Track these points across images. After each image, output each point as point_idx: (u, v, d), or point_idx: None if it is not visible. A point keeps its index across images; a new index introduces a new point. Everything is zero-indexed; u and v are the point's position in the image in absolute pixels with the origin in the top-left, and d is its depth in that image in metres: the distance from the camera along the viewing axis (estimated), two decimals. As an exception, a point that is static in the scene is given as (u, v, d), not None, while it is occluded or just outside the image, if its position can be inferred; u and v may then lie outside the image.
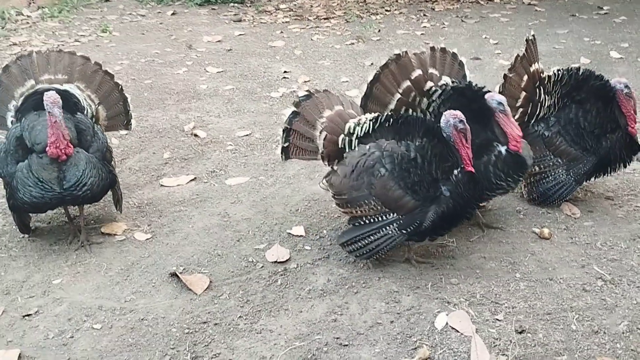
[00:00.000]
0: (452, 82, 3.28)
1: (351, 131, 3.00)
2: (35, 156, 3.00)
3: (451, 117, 2.81)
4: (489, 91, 3.13)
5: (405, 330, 2.63)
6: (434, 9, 9.17)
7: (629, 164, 3.50)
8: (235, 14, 8.91)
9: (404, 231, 2.88)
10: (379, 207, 2.89)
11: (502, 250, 3.13)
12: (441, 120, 2.86)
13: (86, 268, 3.10)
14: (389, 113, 3.11)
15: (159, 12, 9.04)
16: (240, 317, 2.74)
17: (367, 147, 2.92)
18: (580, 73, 3.46)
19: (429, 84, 3.26)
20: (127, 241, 3.34)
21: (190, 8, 9.29)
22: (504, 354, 2.47)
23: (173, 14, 8.94)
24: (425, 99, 3.27)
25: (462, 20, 8.43)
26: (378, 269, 3.04)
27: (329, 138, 3.07)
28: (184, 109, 5.27)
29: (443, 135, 2.86)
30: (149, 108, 5.28)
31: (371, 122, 2.98)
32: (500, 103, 3.01)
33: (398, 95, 3.29)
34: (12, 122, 3.31)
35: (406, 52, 3.37)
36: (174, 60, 6.73)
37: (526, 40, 3.61)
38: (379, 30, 7.92)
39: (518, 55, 3.52)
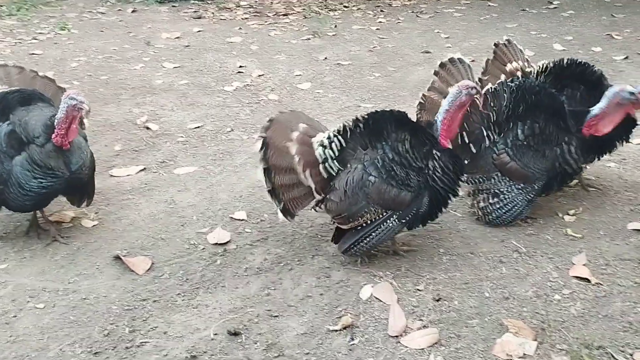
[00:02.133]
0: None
1: (323, 157, 2.97)
2: (36, 147, 3.07)
3: (463, 88, 2.89)
4: None
5: (333, 301, 2.82)
6: (390, 5, 9.41)
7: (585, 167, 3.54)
8: (195, 11, 9.02)
9: (404, 221, 2.98)
10: (379, 211, 2.95)
11: (429, 228, 3.34)
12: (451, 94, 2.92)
13: (33, 253, 3.22)
14: (356, 118, 3.00)
15: (119, 10, 9.11)
16: (178, 294, 2.90)
17: (348, 165, 2.96)
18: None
19: None
20: (75, 228, 3.47)
21: (151, 6, 9.37)
22: (420, 319, 2.67)
23: (133, 11, 9.02)
24: None
25: (417, 16, 8.68)
26: (313, 247, 3.23)
27: (314, 172, 2.98)
28: (139, 104, 5.40)
29: (412, 122, 3.00)
30: (104, 103, 5.39)
31: (341, 138, 2.97)
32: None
33: None
34: None
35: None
36: (132, 56, 6.83)
37: (495, 44, 3.85)
38: (336, 26, 8.12)
39: (488, 59, 3.72)
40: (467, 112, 3.19)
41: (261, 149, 3.01)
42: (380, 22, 8.38)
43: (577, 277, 2.90)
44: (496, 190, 3.33)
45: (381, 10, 9.06)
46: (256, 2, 9.72)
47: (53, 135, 3.05)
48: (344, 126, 2.98)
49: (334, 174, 2.97)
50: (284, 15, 8.85)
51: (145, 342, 2.59)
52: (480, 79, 3.74)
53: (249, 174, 4.09)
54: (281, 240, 3.32)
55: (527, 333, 2.55)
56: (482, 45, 6.93)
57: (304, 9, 9.11)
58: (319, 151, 2.97)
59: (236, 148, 4.50)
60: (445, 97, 3.02)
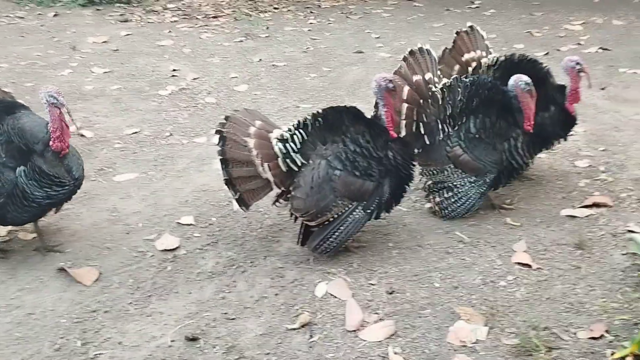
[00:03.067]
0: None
1: (284, 151, 3.00)
2: (38, 156, 2.96)
3: (381, 81, 3.03)
4: None
5: (289, 300, 2.84)
6: (320, 6, 9.49)
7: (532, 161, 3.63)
8: (121, 14, 8.78)
9: (369, 211, 3.06)
10: (346, 203, 3.02)
11: (377, 223, 3.41)
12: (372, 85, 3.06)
13: (-31, 270, 3.07)
14: (315, 113, 3.07)
15: (39, 14, 8.75)
16: (130, 303, 2.84)
17: (311, 162, 3.00)
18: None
19: None
20: (12, 242, 3.32)
21: (73, 9, 9.05)
22: (375, 313, 2.73)
23: (55, 15, 8.69)
24: None
25: (347, 17, 8.80)
26: (264, 249, 3.24)
27: (272, 165, 3.01)
28: (70, 110, 5.19)
29: (364, 115, 3.10)
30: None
31: (302, 132, 3.01)
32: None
33: None
34: None
35: None
36: (57, 62, 6.59)
37: (456, 32, 3.93)
38: (268, 28, 8.12)
39: (446, 48, 3.80)
40: (424, 105, 3.37)
41: (219, 142, 3.05)
42: (312, 23, 8.45)
43: (519, 264, 3.04)
44: (450, 185, 3.43)
45: (311, 12, 9.13)
46: (184, 4, 9.56)
47: (51, 142, 2.94)
48: (304, 120, 3.05)
49: (296, 168, 3.01)
50: (213, 17, 8.76)
51: (99, 353, 2.53)
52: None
53: (193, 178, 4.04)
54: (232, 242, 3.30)
55: (477, 319, 2.66)
56: (412, 44, 7.00)
57: (234, 11, 9.04)
58: (278, 146, 3.01)
59: (177, 152, 4.43)
60: (408, 83, 3.36)
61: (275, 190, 3.10)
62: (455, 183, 3.43)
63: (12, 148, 2.98)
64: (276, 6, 9.47)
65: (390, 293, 2.86)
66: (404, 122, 3.37)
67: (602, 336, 2.53)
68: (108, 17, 8.70)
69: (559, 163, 4.09)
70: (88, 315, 2.75)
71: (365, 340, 2.58)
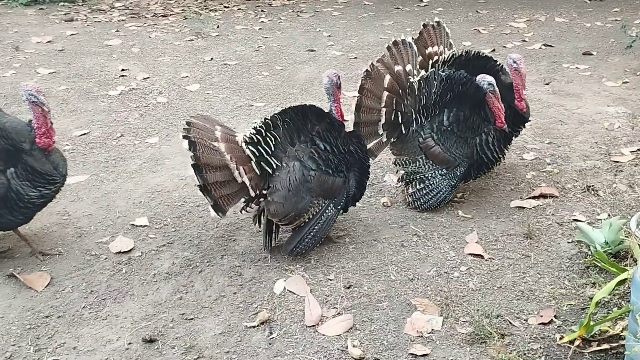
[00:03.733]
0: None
1: (257, 154, 2.97)
2: (27, 156, 2.88)
3: (332, 76, 3.15)
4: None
5: (247, 298, 2.84)
6: (271, 5, 9.46)
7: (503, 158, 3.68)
8: (66, 14, 8.55)
9: (339, 207, 3.14)
10: (320, 202, 3.08)
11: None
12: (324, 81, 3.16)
13: None
14: (279, 113, 3.09)
15: (-21, 13, 8.43)
16: (84, 307, 2.79)
17: (284, 165, 3.01)
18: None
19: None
20: (-43, 249, 3.21)
21: (15, 8, 8.76)
22: (334, 307, 2.76)
23: (-5, 14, 8.38)
24: None
25: (298, 15, 8.80)
26: (221, 248, 3.22)
27: (247, 169, 2.96)
28: (13, 112, 5.01)
29: (328, 113, 3.16)
30: (-26, 113, 4.98)
31: (273, 133, 3.02)
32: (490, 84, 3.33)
33: None
34: None
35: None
36: None
37: (423, 25, 3.96)
38: (218, 26, 8.04)
39: (412, 38, 3.83)
40: (402, 95, 3.49)
41: (190, 148, 2.90)
42: (263, 21, 8.42)
43: (471, 254, 3.13)
44: (422, 176, 3.53)
45: (262, 10, 9.09)
46: (132, 3, 9.38)
47: (37, 139, 2.87)
48: (271, 121, 3.04)
49: (270, 170, 2.99)
50: (162, 16, 8.63)
51: (54, 359, 2.47)
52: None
53: (146, 179, 3.98)
54: (187, 243, 3.27)
55: (433, 310, 2.73)
56: (363, 42, 7.20)
57: (183, 10, 8.92)
58: (250, 149, 2.97)
59: (129, 154, 4.36)
60: (390, 72, 3.46)
61: (246, 195, 3.01)
62: (426, 175, 3.52)
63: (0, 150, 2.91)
64: (226, 5, 9.40)
65: (348, 287, 2.89)
66: (384, 110, 3.48)
67: (551, 321, 2.63)
68: (52, 16, 8.46)
69: (507, 156, 4.19)
70: (40, 321, 2.68)
71: (324, 335, 2.60)
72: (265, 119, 3.06)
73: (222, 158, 2.91)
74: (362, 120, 3.51)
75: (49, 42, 7.18)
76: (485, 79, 3.36)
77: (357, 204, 3.29)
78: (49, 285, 2.93)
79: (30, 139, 2.90)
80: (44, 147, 2.92)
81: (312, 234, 3.07)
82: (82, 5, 9.11)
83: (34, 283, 2.92)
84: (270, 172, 2.99)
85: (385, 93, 3.48)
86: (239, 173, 2.91)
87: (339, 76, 3.17)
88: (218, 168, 2.93)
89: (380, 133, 3.53)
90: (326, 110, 3.18)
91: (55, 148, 3.04)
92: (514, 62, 3.53)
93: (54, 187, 3.02)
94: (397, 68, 3.53)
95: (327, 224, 3.11)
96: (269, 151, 2.98)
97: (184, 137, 2.92)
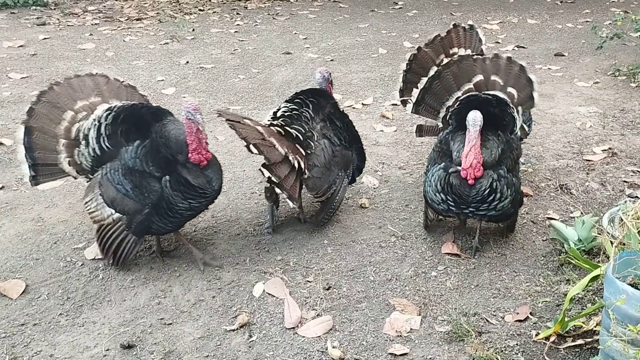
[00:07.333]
0: None
1: (301, 138, 3.21)
2: (182, 167, 2.87)
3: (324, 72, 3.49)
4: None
5: (226, 302, 2.83)
6: (246, 8, 9.45)
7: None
8: (38, 18, 8.43)
9: (350, 178, 3.52)
10: (341, 174, 3.42)
11: (312, 221, 3.45)
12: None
13: None
14: (303, 94, 3.35)
15: (-52, 18, 8.27)
16: (60, 314, 2.75)
17: (317, 143, 3.26)
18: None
19: None
20: None
21: (-15, 12, 8.61)
22: (313, 309, 2.77)
23: (-35, 18, 8.23)
24: None
25: (274, 18, 8.81)
26: (199, 251, 3.20)
27: (299, 154, 3.14)
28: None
29: (330, 94, 3.48)
30: (-56, 119, 4.90)
31: (309, 111, 3.30)
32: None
33: None
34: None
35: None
36: (-30, 68, 6.25)
37: (454, 25, 3.96)
38: (194, 30, 8.00)
39: (439, 34, 3.83)
40: None
41: (254, 151, 2.96)
42: (238, 24, 8.40)
43: (448, 254, 3.16)
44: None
45: (237, 13, 9.07)
46: (105, 7, 9.29)
47: (189, 154, 2.85)
48: (303, 101, 3.29)
49: (309, 151, 3.20)
50: (137, 20, 8.55)
51: (30, 368, 2.44)
52: (419, 48, 3.85)
53: (122, 183, 3.94)
54: (166, 247, 3.25)
55: (411, 309, 2.75)
56: (339, 44, 7.22)
57: (157, 13, 8.86)
58: (294, 133, 3.17)
59: (104, 158, 4.31)
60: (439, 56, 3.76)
61: (301, 177, 3.16)
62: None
63: (158, 158, 2.89)
64: (201, 8, 9.36)
65: (327, 289, 2.90)
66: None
67: (527, 318, 2.67)
68: (24, 20, 8.33)
69: (483, 156, 4.26)
70: (16, 329, 2.65)
71: (304, 337, 2.61)
72: (290, 103, 3.29)
73: (279, 152, 2.99)
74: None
75: (21, 46, 7.07)
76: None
77: (361, 175, 3.64)
78: (24, 293, 2.89)
79: (185, 152, 2.87)
80: (195, 162, 2.89)
81: (334, 202, 3.36)
82: (54, 9, 8.99)
83: (8, 291, 2.87)
84: (309, 151, 3.21)
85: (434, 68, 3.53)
86: (292, 159, 3.06)
87: (329, 72, 3.51)
88: (281, 162, 3.02)
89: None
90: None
91: (215, 161, 3.00)
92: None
93: (205, 201, 2.98)
94: (454, 51, 3.77)
95: (343, 192, 3.42)
96: (304, 132, 3.21)
97: (243, 139, 2.90)
